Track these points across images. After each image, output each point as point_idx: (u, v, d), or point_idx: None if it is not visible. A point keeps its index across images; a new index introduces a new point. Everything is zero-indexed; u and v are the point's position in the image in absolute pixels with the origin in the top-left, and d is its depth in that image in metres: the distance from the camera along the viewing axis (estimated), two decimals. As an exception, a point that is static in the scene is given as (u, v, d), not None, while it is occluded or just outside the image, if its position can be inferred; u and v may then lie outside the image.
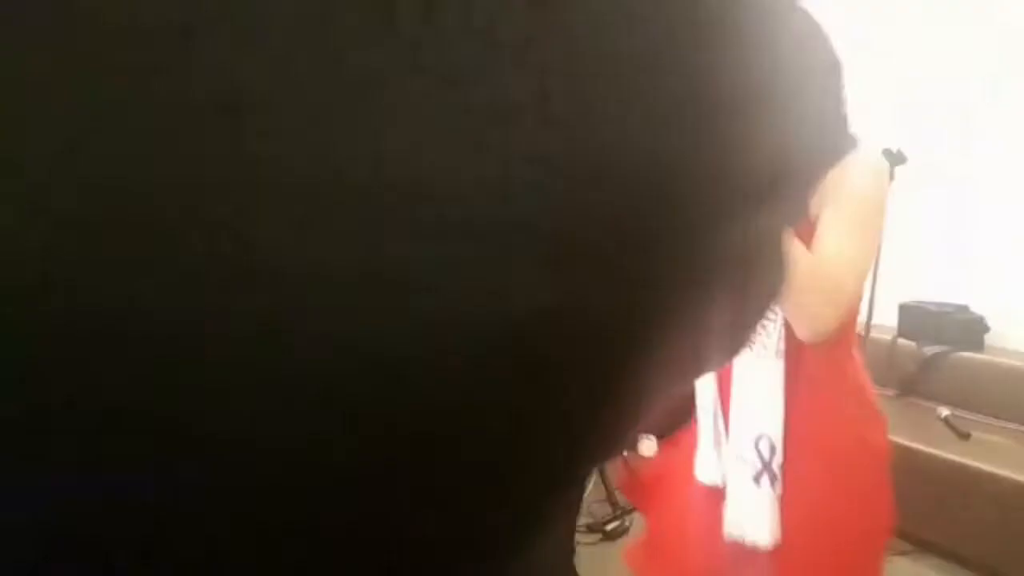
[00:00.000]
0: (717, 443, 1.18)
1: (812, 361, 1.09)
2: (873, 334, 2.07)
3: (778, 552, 1.08)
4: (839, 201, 1.02)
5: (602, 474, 2.46)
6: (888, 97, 2.80)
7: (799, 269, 0.98)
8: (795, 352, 1.07)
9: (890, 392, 2.81)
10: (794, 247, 0.98)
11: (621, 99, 0.12)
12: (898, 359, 2.82)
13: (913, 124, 2.69)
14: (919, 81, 2.91)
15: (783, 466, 1.08)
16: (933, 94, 2.89)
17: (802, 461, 1.08)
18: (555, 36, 0.12)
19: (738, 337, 0.19)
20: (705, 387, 1.19)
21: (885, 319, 2.84)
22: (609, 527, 2.45)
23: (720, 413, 1.18)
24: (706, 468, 1.19)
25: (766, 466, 1.08)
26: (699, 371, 0.19)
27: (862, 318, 2.04)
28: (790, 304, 1.02)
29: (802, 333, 1.02)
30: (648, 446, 2.07)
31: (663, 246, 0.13)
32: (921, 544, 2.40)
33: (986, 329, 2.79)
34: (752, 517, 1.09)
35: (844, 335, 1.13)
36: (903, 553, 2.38)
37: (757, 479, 1.09)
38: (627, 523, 2.48)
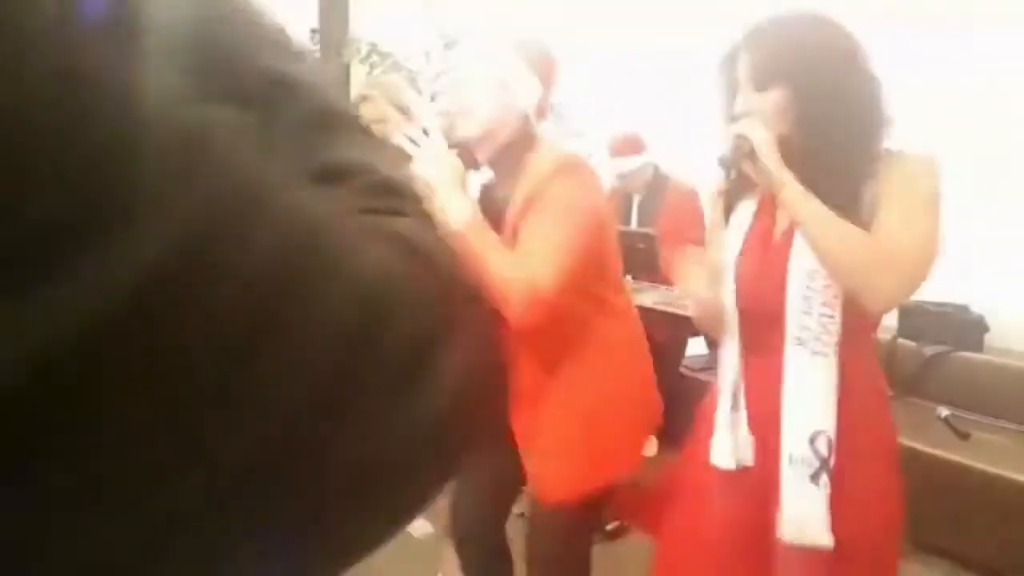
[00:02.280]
0: (735, 429, 1.19)
1: (856, 360, 1.11)
2: (873, 334, 2.08)
3: (833, 551, 1.08)
4: (900, 190, 1.06)
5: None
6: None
7: (871, 248, 1.04)
8: (845, 351, 1.09)
9: (890, 392, 2.80)
10: (851, 229, 1.03)
11: None
12: (898, 359, 2.82)
13: (913, 124, 2.69)
14: (919, 81, 2.91)
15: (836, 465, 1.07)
16: (933, 94, 2.89)
17: (849, 460, 1.08)
18: None
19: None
20: (727, 377, 1.21)
21: (885, 319, 2.83)
22: (609, 527, 2.45)
23: (742, 402, 1.19)
24: (722, 453, 1.20)
25: (824, 464, 1.07)
26: None
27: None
28: (863, 281, 1.05)
29: (875, 306, 1.07)
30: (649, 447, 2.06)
31: None
32: (921, 544, 2.39)
33: (986, 329, 2.79)
34: (811, 518, 1.07)
35: (873, 332, 1.19)
36: (902, 553, 2.38)
37: (815, 478, 1.07)
38: (627, 523, 2.48)
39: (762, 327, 1.14)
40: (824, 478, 1.06)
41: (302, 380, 0.19)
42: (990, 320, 2.78)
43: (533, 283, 1.24)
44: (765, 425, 1.14)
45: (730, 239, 1.20)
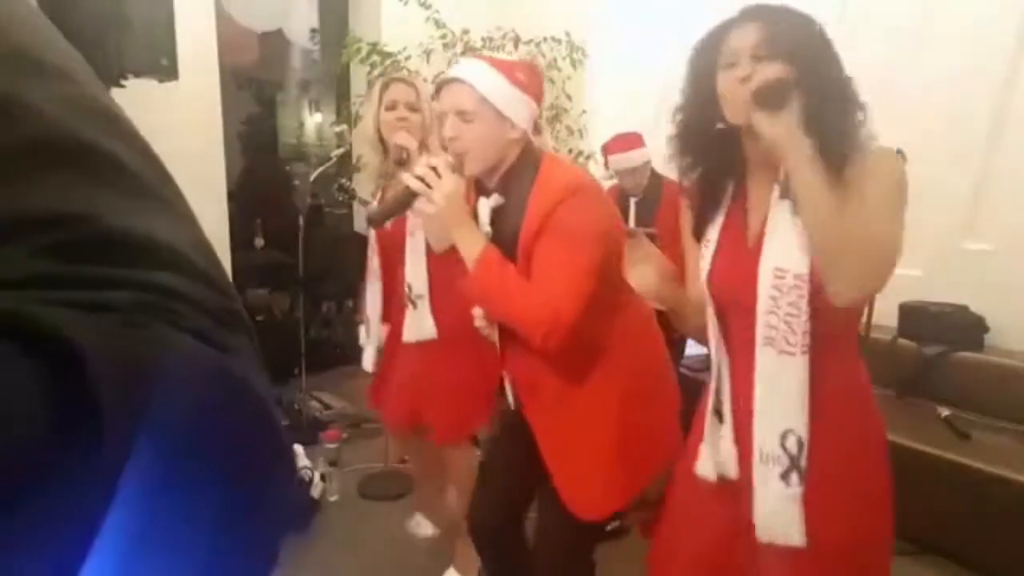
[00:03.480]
0: (719, 441, 1.20)
1: (828, 363, 1.10)
2: (873, 334, 2.07)
3: (808, 552, 1.09)
4: (878, 182, 1.05)
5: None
6: (889, 97, 2.80)
7: (847, 231, 1.01)
8: (817, 354, 1.09)
9: (890, 392, 2.80)
10: (835, 212, 1.00)
11: None
12: (898, 359, 2.81)
13: (913, 124, 2.68)
14: (919, 81, 2.91)
15: (808, 463, 1.08)
16: (934, 94, 2.89)
17: (822, 463, 1.09)
18: None
19: None
20: (719, 386, 1.21)
21: (885, 319, 2.83)
22: (609, 527, 2.45)
23: (727, 414, 1.19)
24: (705, 464, 1.22)
25: (793, 462, 1.08)
26: None
27: (862, 318, 2.04)
28: (842, 266, 1.02)
29: (845, 296, 1.03)
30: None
31: None
32: (921, 544, 2.39)
33: (986, 329, 2.78)
34: (782, 517, 1.09)
35: (852, 334, 1.17)
36: (903, 553, 2.38)
37: (785, 477, 1.08)
38: (627, 523, 2.48)
39: (739, 330, 1.16)
40: (794, 477, 1.07)
41: None
42: (990, 320, 2.78)
43: (556, 310, 1.29)
44: (746, 425, 1.15)
45: (703, 251, 1.22)
